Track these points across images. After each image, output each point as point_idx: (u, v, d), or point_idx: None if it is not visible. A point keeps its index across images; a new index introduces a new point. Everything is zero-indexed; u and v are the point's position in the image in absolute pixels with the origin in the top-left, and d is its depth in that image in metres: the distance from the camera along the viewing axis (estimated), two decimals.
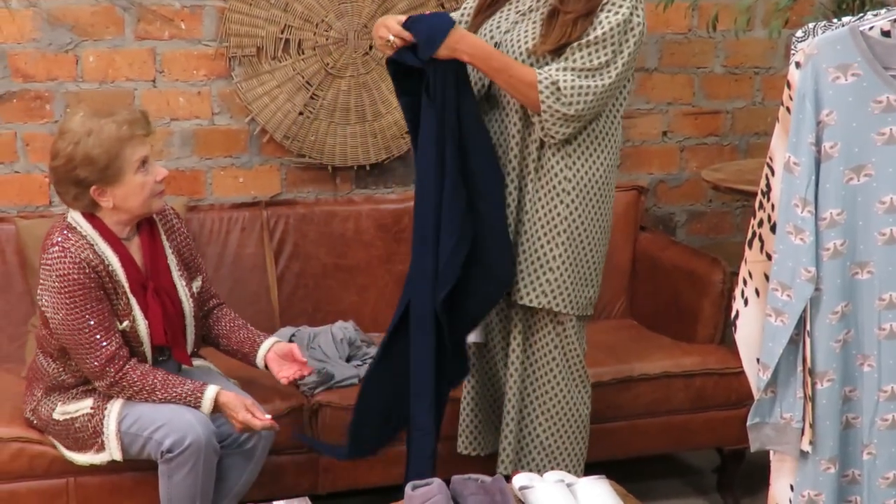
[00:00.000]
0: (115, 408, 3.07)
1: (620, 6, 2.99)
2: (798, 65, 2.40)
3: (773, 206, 2.47)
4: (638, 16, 3.02)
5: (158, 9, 3.93)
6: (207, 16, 3.98)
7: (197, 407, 3.07)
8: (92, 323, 3.00)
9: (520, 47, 3.06)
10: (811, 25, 2.51)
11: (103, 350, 3.01)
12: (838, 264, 2.43)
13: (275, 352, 3.25)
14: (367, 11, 4.03)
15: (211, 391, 3.08)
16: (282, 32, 3.99)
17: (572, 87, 2.96)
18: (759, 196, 2.52)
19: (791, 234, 2.41)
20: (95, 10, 3.88)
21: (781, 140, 2.45)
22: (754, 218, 2.54)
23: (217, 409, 3.08)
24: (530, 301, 3.14)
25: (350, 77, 4.07)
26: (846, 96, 2.38)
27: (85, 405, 3.10)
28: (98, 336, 3.01)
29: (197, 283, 3.27)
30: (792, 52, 2.49)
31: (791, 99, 2.41)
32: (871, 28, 2.38)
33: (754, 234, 2.54)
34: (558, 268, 3.12)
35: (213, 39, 4.00)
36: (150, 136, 3.10)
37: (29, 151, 3.89)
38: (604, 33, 2.97)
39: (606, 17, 2.98)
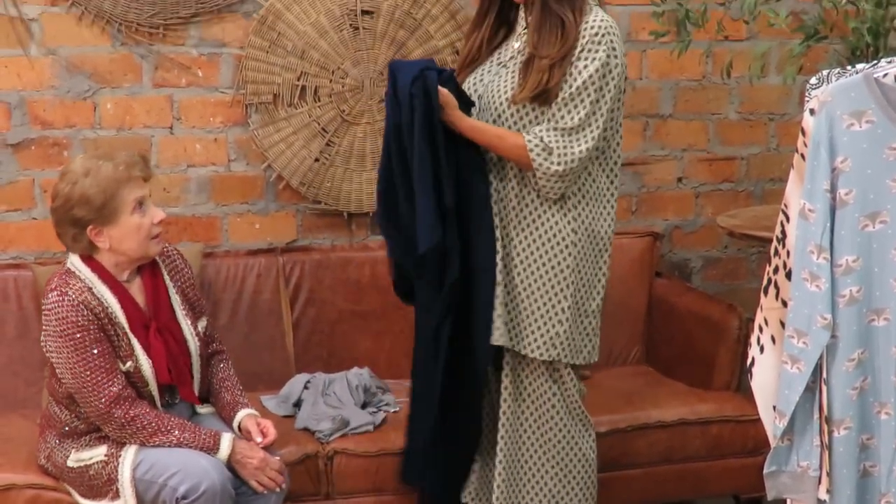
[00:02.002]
0: (129, 454, 3.07)
1: (596, 52, 3.00)
2: (812, 112, 2.40)
3: (788, 252, 2.47)
4: (615, 57, 3.03)
5: (176, 56, 3.96)
6: (224, 63, 4.01)
7: (215, 452, 3.06)
8: (94, 364, 3.01)
9: (500, 97, 3.09)
10: (825, 72, 2.52)
11: (107, 392, 3.01)
12: (854, 311, 2.42)
13: (247, 423, 3.24)
14: (383, 59, 4.05)
15: (227, 438, 3.08)
16: (298, 80, 4.02)
17: (562, 147, 2.99)
18: (775, 242, 2.52)
19: (807, 281, 2.41)
20: (113, 58, 3.92)
21: (796, 187, 2.45)
22: (770, 264, 2.54)
23: (232, 457, 3.07)
24: (540, 354, 3.13)
25: (366, 124, 4.10)
26: (861, 143, 2.38)
27: (99, 452, 3.10)
28: (100, 377, 3.01)
29: (202, 324, 3.28)
30: (806, 98, 2.49)
31: (806, 146, 2.41)
32: (885, 75, 2.39)
33: (770, 280, 2.54)
34: (567, 319, 3.11)
35: (229, 87, 4.02)
36: (148, 180, 3.13)
37: (46, 198, 3.90)
38: (583, 82, 2.99)
39: (584, 67, 2.99)
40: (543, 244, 3.10)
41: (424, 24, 4.07)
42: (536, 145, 2.99)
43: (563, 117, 2.99)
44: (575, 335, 3.14)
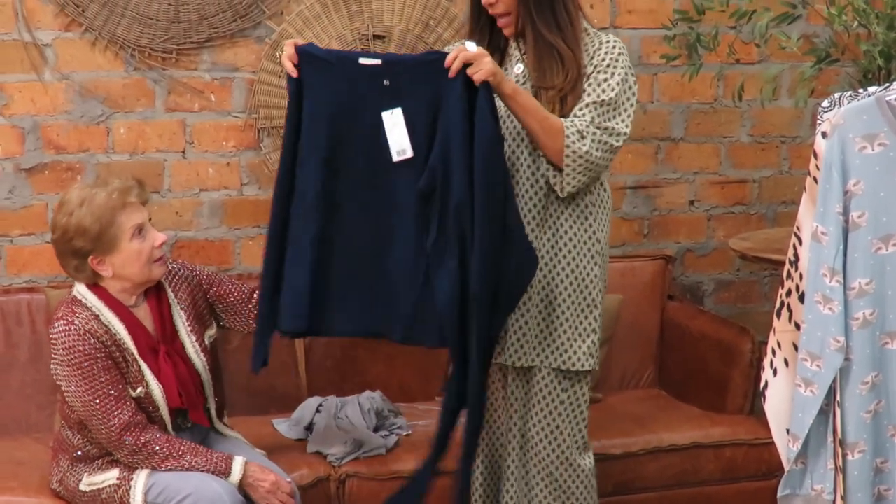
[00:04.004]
0: (141, 478, 3.07)
1: (615, 67, 3.02)
2: (824, 135, 2.40)
3: (801, 275, 2.46)
4: (632, 74, 3.06)
5: (189, 81, 3.98)
6: (237, 88, 4.02)
7: (226, 475, 3.06)
8: (102, 392, 3.01)
9: (515, 129, 3.09)
10: (837, 95, 2.52)
11: (117, 419, 3.02)
12: (868, 334, 2.42)
13: None
14: None
15: (239, 462, 3.08)
16: None
17: (593, 137, 2.97)
18: (787, 265, 2.52)
19: (820, 304, 2.40)
20: (127, 83, 3.94)
21: (809, 209, 2.44)
22: (782, 287, 2.54)
23: (243, 480, 3.07)
24: (573, 364, 3.11)
25: None
26: (873, 166, 2.38)
27: (111, 476, 3.10)
28: (110, 405, 3.02)
29: (211, 332, 3.29)
30: (818, 121, 2.49)
31: (818, 169, 2.41)
32: None
33: (783, 303, 2.53)
34: (594, 330, 3.12)
35: (242, 111, 4.04)
36: (146, 203, 3.13)
37: None
38: (615, 95, 3.00)
39: (610, 77, 3.01)
40: (567, 254, 3.10)
41: (435, 49, 4.08)
42: (573, 133, 2.96)
43: (596, 117, 2.99)
44: (595, 343, 3.16)
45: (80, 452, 3.14)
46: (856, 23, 3.54)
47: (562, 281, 3.10)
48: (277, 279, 3.09)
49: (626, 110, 3.03)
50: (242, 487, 3.08)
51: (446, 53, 2.93)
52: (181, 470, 3.06)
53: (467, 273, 2.93)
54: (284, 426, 3.75)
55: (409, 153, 2.98)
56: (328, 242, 3.06)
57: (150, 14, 3.89)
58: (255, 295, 3.26)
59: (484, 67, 2.87)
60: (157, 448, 3.05)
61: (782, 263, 2.62)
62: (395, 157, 2.99)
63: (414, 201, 2.99)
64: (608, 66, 3.02)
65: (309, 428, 3.71)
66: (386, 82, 2.97)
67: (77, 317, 3.05)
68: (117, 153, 3.96)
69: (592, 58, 3.03)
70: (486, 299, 2.93)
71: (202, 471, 3.06)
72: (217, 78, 4.01)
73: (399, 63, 3.02)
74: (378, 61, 2.98)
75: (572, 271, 3.10)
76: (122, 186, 3.09)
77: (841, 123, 2.39)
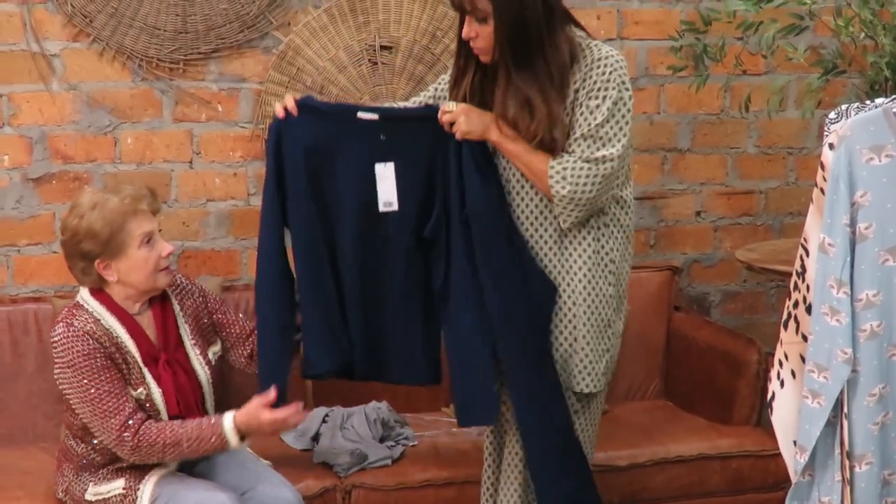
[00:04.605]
0: (147, 489, 3.07)
1: (607, 89, 2.93)
2: (832, 146, 2.40)
3: (808, 287, 2.46)
4: (626, 90, 2.97)
5: (196, 91, 3.99)
6: (244, 98, 4.03)
7: (226, 447, 3.06)
8: (102, 391, 3.02)
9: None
10: (844, 107, 2.52)
11: (117, 417, 3.01)
12: (875, 345, 2.41)
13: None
14: (402, 93, 4.07)
15: (227, 422, 3.05)
16: None
17: (578, 175, 2.93)
18: (794, 277, 2.52)
19: (827, 316, 2.40)
20: (134, 93, 3.94)
21: (816, 221, 2.44)
22: (789, 299, 2.53)
23: (243, 432, 3.06)
24: (586, 387, 3.06)
25: None
26: (880, 177, 2.38)
27: (117, 486, 3.10)
28: (110, 403, 3.02)
29: (215, 349, 3.29)
30: (825, 133, 2.49)
31: (825, 180, 2.41)
32: None
33: (790, 315, 2.53)
34: (608, 350, 3.09)
35: (249, 121, 4.04)
36: (157, 213, 3.14)
37: None
38: (604, 119, 2.93)
39: (600, 104, 2.93)
40: (587, 273, 3.07)
41: (443, 59, 4.09)
42: (557, 172, 2.94)
43: (581, 151, 2.95)
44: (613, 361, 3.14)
45: (84, 461, 3.14)
46: (863, 34, 3.54)
47: (574, 302, 3.05)
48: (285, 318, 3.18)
49: (615, 134, 2.95)
50: (247, 433, 3.07)
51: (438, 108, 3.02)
52: (183, 457, 3.06)
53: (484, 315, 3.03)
54: (290, 437, 3.75)
55: (395, 206, 3.09)
56: (332, 285, 3.16)
57: (157, 25, 3.90)
58: (254, 334, 3.27)
59: (460, 128, 2.97)
60: (156, 439, 3.02)
61: (789, 274, 2.62)
62: (382, 208, 3.10)
63: (401, 252, 3.12)
64: (599, 89, 2.94)
65: (315, 438, 3.71)
66: (382, 137, 3.08)
67: (76, 319, 3.07)
68: (124, 163, 3.97)
69: (585, 80, 2.95)
70: (515, 337, 3.03)
71: (203, 453, 3.06)
72: (224, 88, 4.01)
73: (395, 119, 3.12)
74: (375, 116, 3.08)
75: (587, 292, 3.04)
76: (134, 194, 3.10)
77: (848, 135, 2.39)
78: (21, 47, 3.84)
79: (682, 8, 4.32)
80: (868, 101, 2.54)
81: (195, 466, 3.21)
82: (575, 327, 3.06)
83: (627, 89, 2.97)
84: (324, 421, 3.75)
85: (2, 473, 3.50)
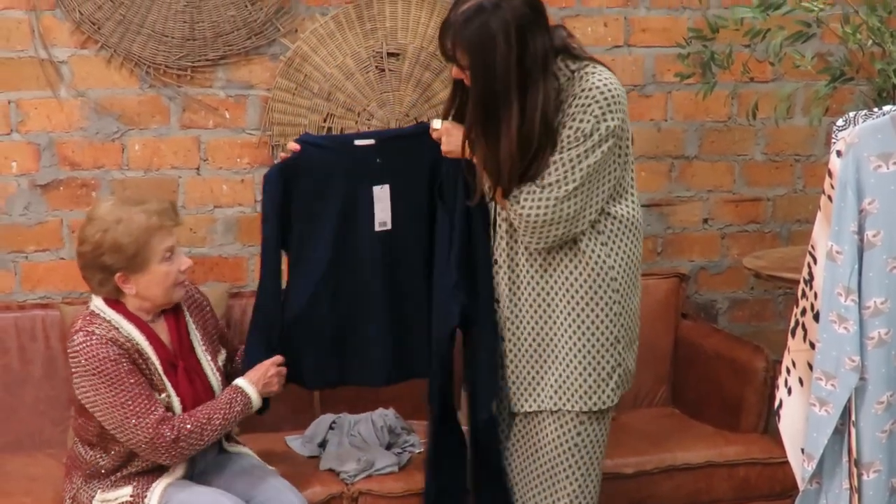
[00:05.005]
0: (154, 495, 3.07)
1: (582, 119, 2.89)
2: (839, 153, 2.40)
3: (815, 294, 2.46)
4: (605, 120, 2.89)
5: (203, 98, 3.99)
6: (251, 105, 4.04)
7: (250, 404, 3.16)
8: (134, 392, 3.01)
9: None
10: (852, 114, 2.52)
11: (152, 415, 3.01)
12: (883, 353, 2.41)
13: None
14: (409, 100, 4.07)
15: (239, 381, 3.18)
16: (324, 121, 4.04)
17: (529, 198, 2.92)
18: (802, 284, 2.51)
19: (835, 323, 2.40)
20: (142, 100, 3.95)
21: (823, 228, 2.44)
22: (797, 306, 2.53)
23: (255, 385, 3.18)
24: (594, 405, 3.05)
25: None
26: (888, 185, 2.38)
27: (124, 493, 3.10)
28: (142, 403, 3.01)
29: (221, 357, 3.30)
30: (833, 140, 2.49)
31: (833, 187, 2.41)
32: None
33: (797, 322, 2.53)
34: (619, 364, 3.07)
35: (256, 128, 4.05)
36: (177, 227, 3.14)
37: (74, 238, 3.92)
38: (569, 148, 2.90)
39: (566, 133, 2.90)
40: (590, 285, 3.04)
41: (449, 67, 4.07)
42: (513, 197, 2.96)
43: (546, 176, 2.92)
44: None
45: (93, 469, 3.14)
46: (870, 41, 3.54)
47: (577, 319, 3.03)
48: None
49: (577, 163, 2.89)
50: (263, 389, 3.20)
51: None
52: (217, 434, 3.11)
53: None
54: (297, 443, 3.75)
55: (389, 226, 3.31)
56: (332, 302, 3.33)
57: (165, 32, 3.91)
58: (238, 353, 3.41)
59: (442, 147, 3.07)
60: (192, 428, 3.05)
61: (796, 282, 2.62)
62: (377, 227, 3.30)
63: (391, 267, 3.32)
64: (574, 118, 2.89)
65: (322, 445, 3.71)
66: (378, 160, 3.28)
67: (97, 327, 3.05)
68: (132, 170, 3.97)
69: (569, 105, 2.91)
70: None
71: (233, 421, 3.14)
72: (231, 95, 4.02)
73: (390, 140, 3.32)
74: (372, 141, 3.30)
75: (590, 308, 3.03)
76: (159, 209, 3.10)
77: (856, 142, 2.38)
78: (29, 54, 3.85)
79: (689, 15, 4.32)
80: (876, 109, 2.53)
81: (202, 474, 3.21)
82: (582, 345, 3.04)
83: (605, 120, 2.89)
84: (330, 428, 3.75)
85: (9, 480, 3.50)
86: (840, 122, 2.53)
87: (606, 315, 3.03)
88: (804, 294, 2.50)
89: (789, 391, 2.55)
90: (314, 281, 3.29)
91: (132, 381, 3.02)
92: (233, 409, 3.13)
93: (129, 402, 3.01)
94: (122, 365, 3.02)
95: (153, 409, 3.02)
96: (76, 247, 3.13)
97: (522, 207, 2.94)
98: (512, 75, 2.86)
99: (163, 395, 3.08)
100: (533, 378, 3.10)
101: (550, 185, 2.91)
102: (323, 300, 3.30)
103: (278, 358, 3.25)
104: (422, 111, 4.08)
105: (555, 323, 3.05)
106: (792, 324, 2.55)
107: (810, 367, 2.47)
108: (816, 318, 2.45)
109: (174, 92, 3.97)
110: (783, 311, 4.61)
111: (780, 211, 4.58)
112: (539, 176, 2.92)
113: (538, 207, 2.92)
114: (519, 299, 3.08)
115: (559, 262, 3.03)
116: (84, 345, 3.03)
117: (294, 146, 3.27)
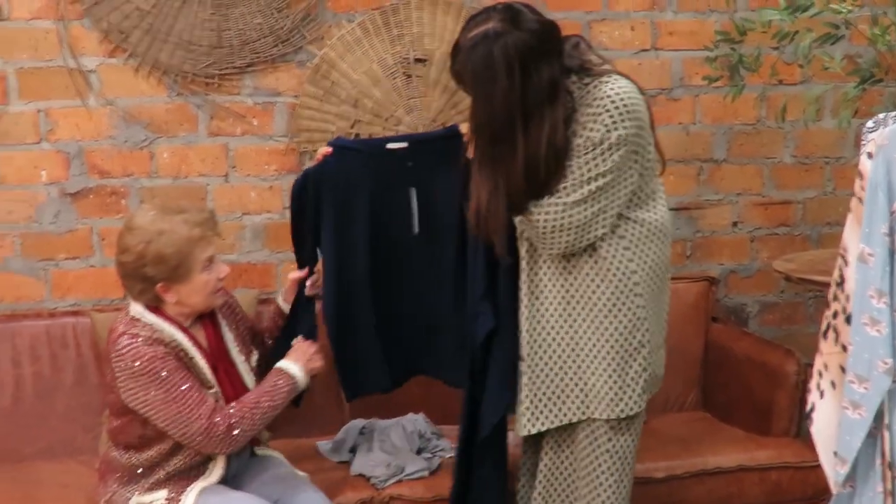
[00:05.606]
0: (189, 499, 3.08)
1: (592, 129, 2.89)
2: (870, 155, 2.39)
3: (847, 297, 2.45)
4: (615, 129, 2.87)
5: (231, 105, 4.01)
6: (279, 112, 4.05)
7: (296, 385, 3.21)
8: (187, 386, 3.03)
9: None
10: (882, 116, 2.51)
11: (205, 405, 3.03)
12: None
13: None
14: (436, 106, 4.08)
15: (291, 367, 3.22)
16: (352, 127, 4.05)
17: (541, 205, 2.94)
18: (833, 287, 2.50)
19: (867, 326, 2.38)
20: (170, 108, 3.97)
21: (854, 231, 2.43)
22: (828, 309, 2.52)
23: (298, 365, 3.24)
24: (621, 412, 3.05)
25: None
26: None
27: (160, 496, 3.11)
28: (194, 395, 3.03)
29: (254, 358, 3.32)
30: (863, 142, 2.48)
31: (863, 189, 2.40)
32: None
33: (829, 325, 2.52)
34: (645, 369, 3.06)
35: (284, 135, 4.06)
36: (217, 237, 3.16)
37: (104, 246, 3.95)
38: (577, 156, 2.91)
39: (577, 141, 2.91)
40: (612, 293, 3.03)
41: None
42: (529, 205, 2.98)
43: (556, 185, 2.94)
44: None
45: (128, 472, 3.14)
46: None
47: (600, 326, 3.03)
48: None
49: (590, 171, 2.90)
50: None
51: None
52: (268, 417, 3.14)
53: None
54: (327, 448, 3.76)
55: (416, 229, 3.37)
56: (378, 308, 3.41)
57: (192, 40, 3.92)
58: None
59: (469, 152, 3.06)
60: (244, 414, 3.08)
61: (827, 285, 2.60)
62: (415, 230, 3.38)
63: (426, 266, 3.38)
64: (585, 128, 2.90)
65: (352, 450, 3.72)
66: (409, 164, 3.33)
67: (140, 330, 3.06)
68: (160, 177, 3.99)
69: (581, 115, 2.91)
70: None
71: (281, 403, 3.17)
72: (259, 102, 4.03)
73: (422, 143, 3.37)
74: (404, 144, 3.35)
75: (613, 314, 3.02)
76: (201, 219, 3.11)
77: (886, 144, 2.37)
78: (58, 63, 3.88)
79: (716, 18, 4.30)
80: None
81: (234, 477, 3.22)
82: (606, 352, 3.03)
83: (617, 129, 2.87)
84: (361, 433, 3.76)
85: (41, 487, 3.51)
86: (870, 124, 2.52)
87: (630, 320, 3.02)
88: (836, 297, 2.49)
89: (821, 394, 2.54)
90: (357, 289, 3.36)
91: (181, 375, 3.03)
92: (279, 390, 3.16)
93: (181, 397, 3.02)
94: (169, 362, 3.03)
95: (204, 399, 3.04)
96: (116, 255, 3.12)
97: (532, 214, 2.96)
98: (514, 108, 2.87)
99: (212, 391, 3.10)
100: (558, 387, 3.09)
101: (559, 192, 2.93)
102: (366, 306, 3.39)
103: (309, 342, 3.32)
104: (449, 117, 4.08)
105: (578, 329, 3.05)
106: (823, 327, 2.53)
107: (842, 369, 2.46)
108: (848, 320, 2.44)
109: (202, 100, 3.98)
110: (814, 315, 4.59)
111: (809, 213, 4.56)
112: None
113: (548, 213, 2.94)
114: (541, 304, 3.08)
115: (581, 268, 3.02)
116: (129, 347, 3.03)
117: (326, 149, 3.31)
